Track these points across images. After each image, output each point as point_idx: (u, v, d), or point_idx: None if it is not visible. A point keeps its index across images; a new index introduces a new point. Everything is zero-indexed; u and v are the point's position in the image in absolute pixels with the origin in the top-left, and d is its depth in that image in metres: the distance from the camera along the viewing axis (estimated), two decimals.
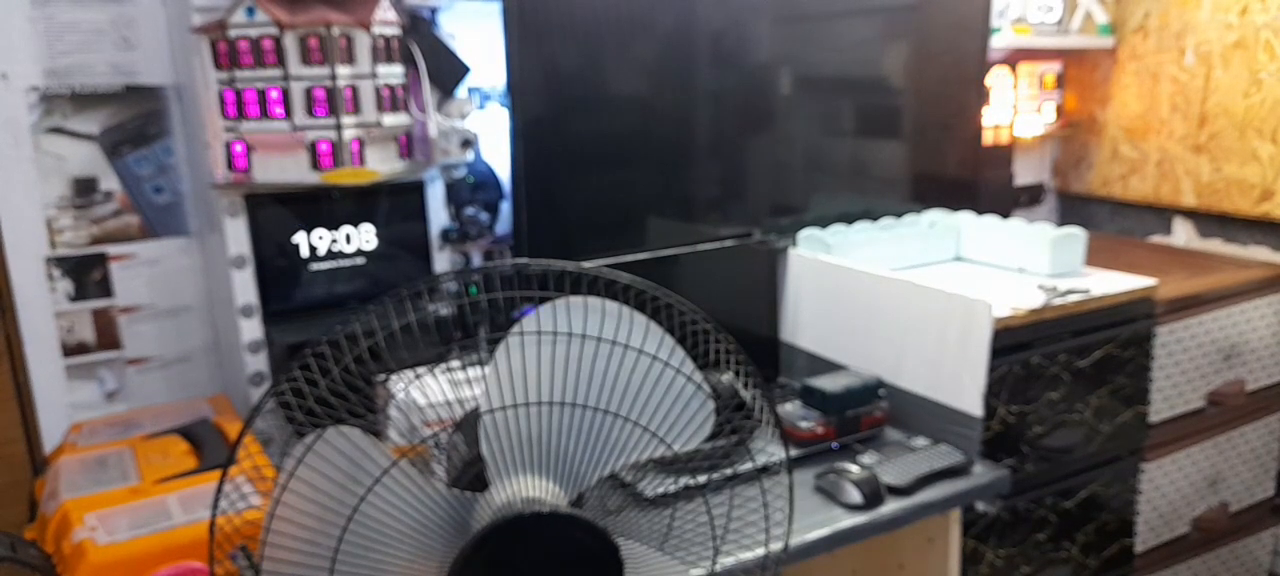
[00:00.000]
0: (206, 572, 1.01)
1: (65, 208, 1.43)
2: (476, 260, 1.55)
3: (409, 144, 1.40)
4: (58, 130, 1.41)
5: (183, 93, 1.44)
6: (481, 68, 1.48)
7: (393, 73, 1.34)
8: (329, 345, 0.81)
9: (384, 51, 1.32)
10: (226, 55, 1.25)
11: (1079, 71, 2.28)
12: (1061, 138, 2.35)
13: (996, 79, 2.13)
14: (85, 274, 1.45)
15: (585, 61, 1.47)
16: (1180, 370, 1.69)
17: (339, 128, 1.27)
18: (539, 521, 0.77)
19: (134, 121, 1.46)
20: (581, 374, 0.82)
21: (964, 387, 1.31)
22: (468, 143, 1.48)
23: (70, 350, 1.45)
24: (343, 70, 1.27)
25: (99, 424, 1.41)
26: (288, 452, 0.78)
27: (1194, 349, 1.70)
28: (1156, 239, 2.18)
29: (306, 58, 1.25)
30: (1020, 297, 1.46)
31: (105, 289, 1.46)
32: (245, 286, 1.33)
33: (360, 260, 1.41)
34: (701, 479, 1.11)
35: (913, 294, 1.39)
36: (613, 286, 0.85)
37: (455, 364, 0.96)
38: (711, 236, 1.59)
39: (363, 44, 1.28)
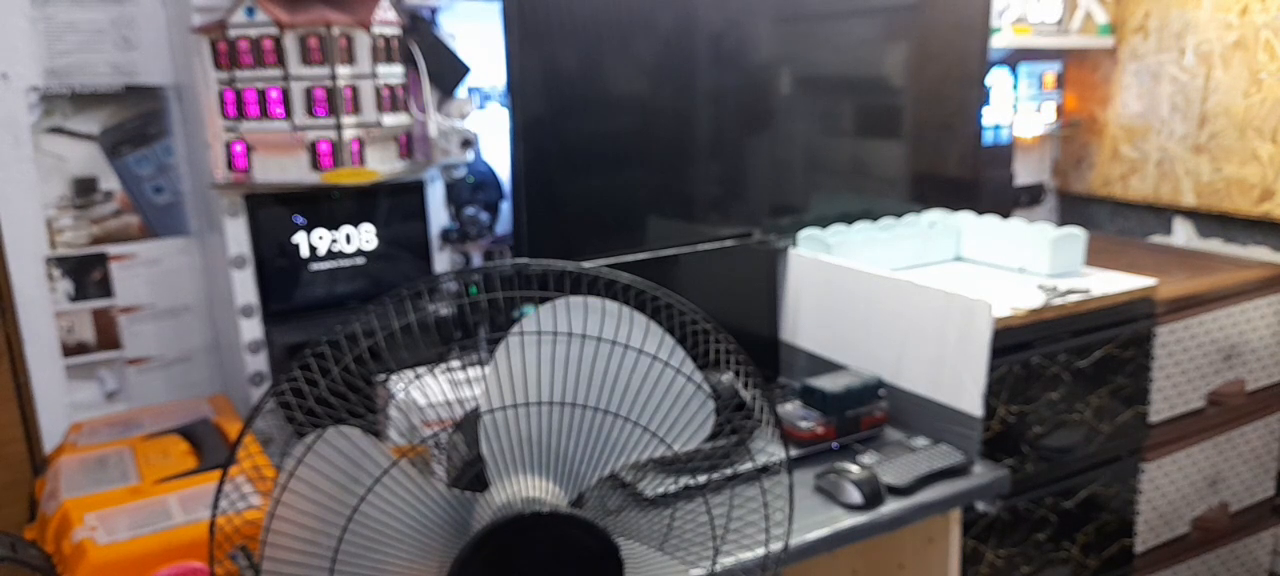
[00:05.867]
0: (206, 572, 1.01)
1: (65, 208, 1.43)
2: (476, 260, 1.55)
3: (409, 144, 1.40)
4: (58, 130, 1.41)
5: (183, 93, 1.44)
6: (481, 68, 1.48)
7: (393, 73, 1.34)
8: (329, 345, 0.81)
9: (384, 51, 1.32)
10: (226, 55, 1.25)
11: (1079, 71, 2.28)
12: (1061, 138, 2.35)
13: (996, 79, 2.13)
14: (85, 274, 1.45)
15: (585, 61, 1.47)
16: (1180, 370, 1.69)
17: (339, 128, 1.28)
18: (539, 521, 0.77)
19: (134, 121, 1.45)
20: (581, 374, 0.82)
21: (964, 387, 1.31)
22: (468, 143, 1.48)
23: (70, 350, 1.45)
24: (343, 70, 1.27)
25: (99, 424, 1.41)
26: (288, 452, 0.78)
27: (1194, 349, 1.70)
28: (1156, 239, 2.18)
29: (306, 58, 1.25)
30: (1020, 297, 1.46)
31: (105, 289, 1.46)
32: (245, 286, 1.33)
33: (360, 260, 1.41)
34: (701, 479, 1.11)
35: (913, 294, 1.39)
36: (613, 286, 0.85)
37: (455, 364, 0.96)
38: (711, 236, 1.59)
39: (363, 44, 1.28)
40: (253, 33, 1.23)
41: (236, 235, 1.31)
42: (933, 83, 1.85)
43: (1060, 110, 2.25)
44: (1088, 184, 2.31)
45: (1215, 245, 2.06)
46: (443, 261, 1.49)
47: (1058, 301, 1.45)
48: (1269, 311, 1.79)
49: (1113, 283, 1.55)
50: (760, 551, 0.96)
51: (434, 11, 1.41)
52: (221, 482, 0.81)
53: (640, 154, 1.55)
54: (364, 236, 1.41)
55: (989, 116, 2.10)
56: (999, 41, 2.00)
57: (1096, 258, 1.67)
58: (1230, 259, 1.92)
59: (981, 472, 1.27)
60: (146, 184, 1.48)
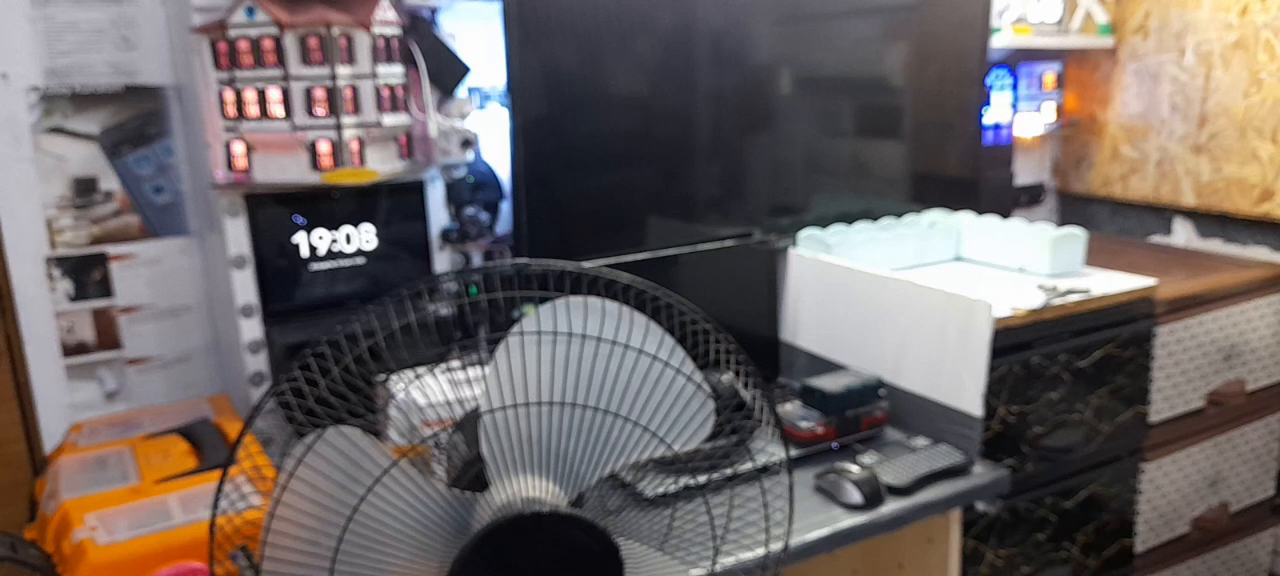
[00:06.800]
0: (206, 572, 1.01)
1: (65, 208, 1.43)
2: (476, 260, 1.55)
3: (409, 144, 1.40)
4: (58, 130, 1.41)
5: (183, 93, 1.44)
6: (481, 68, 1.48)
7: (393, 73, 1.34)
8: (329, 345, 0.81)
9: (384, 51, 1.32)
10: (226, 55, 1.25)
11: (1079, 71, 2.28)
12: (1061, 138, 2.35)
13: (996, 79, 2.13)
14: (85, 274, 1.45)
15: (585, 61, 1.47)
16: (1180, 370, 1.69)
17: (339, 128, 1.27)
18: (539, 521, 0.77)
19: (134, 121, 1.45)
20: (581, 374, 0.82)
21: (964, 387, 1.31)
22: (468, 143, 1.48)
23: (70, 350, 1.45)
24: (343, 70, 1.27)
25: (99, 424, 1.41)
26: (288, 452, 0.78)
27: (1194, 349, 1.70)
28: (1156, 239, 2.18)
29: (306, 58, 1.25)
30: (1020, 298, 1.46)
31: (105, 289, 1.46)
32: (245, 286, 1.33)
33: (360, 260, 1.41)
34: (701, 479, 1.11)
35: (913, 294, 1.39)
36: (613, 286, 0.85)
37: (455, 364, 0.96)
38: (711, 236, 1.59)
39: (363, 44, 1.28)
40: (253, 33, 1.23)
41: (236, 235, 1.31)
42: (933, 83, 1.85)
43: (1060, 110, 2.25)
44: (1088, 184, 2.31)
45: (1215, 245, 2.06)
46: (443, 261, 1.49)
47: (1058, 301, 1.45)
48: (1269, 311, 1.79)
49: (1113, 283, 1.55)
50: (760, 551, 0.96)
51: (434, 11, 1.41)
52: (221, 482, 0.81)
53: (640, 154, 1.55)
54: (364, 236, 1.41)
55: (989, 116, 2.10)
56: (999, 41, 2.00)
57: (1096, 257, 1.67)
58: (1230, 259, 1.92)
59: (981, 472, 1.27)
60: (146, 184, 1.48)
